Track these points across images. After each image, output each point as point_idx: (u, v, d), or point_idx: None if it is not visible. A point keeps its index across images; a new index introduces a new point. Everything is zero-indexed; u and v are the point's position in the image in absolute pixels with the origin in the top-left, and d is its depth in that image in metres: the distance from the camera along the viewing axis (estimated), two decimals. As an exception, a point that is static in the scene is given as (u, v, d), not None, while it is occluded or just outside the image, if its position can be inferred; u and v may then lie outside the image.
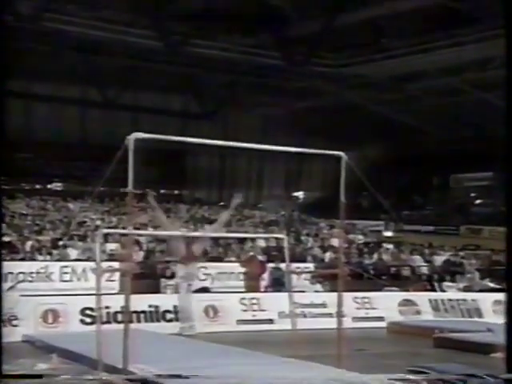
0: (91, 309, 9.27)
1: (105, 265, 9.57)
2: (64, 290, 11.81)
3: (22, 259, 13.13)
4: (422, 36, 22.54)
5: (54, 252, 13.81)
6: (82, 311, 9.65)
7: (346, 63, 24.77)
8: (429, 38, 22.32)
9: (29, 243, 14.17)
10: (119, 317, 9.42)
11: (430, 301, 12.36)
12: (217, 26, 22.83)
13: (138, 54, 23.04)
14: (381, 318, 11.59)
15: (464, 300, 12.50)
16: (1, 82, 4.62)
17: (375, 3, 20.96)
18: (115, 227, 16.13)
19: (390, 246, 18.55)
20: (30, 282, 12.20)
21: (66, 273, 12.76)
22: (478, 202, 29.48)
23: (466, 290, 13.61)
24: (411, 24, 22.60)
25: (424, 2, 20.57)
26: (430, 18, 22.13)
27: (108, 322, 9.31)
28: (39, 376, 3.96)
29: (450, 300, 12.49)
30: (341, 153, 6.77)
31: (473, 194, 30.05)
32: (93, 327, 8.11)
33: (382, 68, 24.20)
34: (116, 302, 9.02)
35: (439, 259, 16.74)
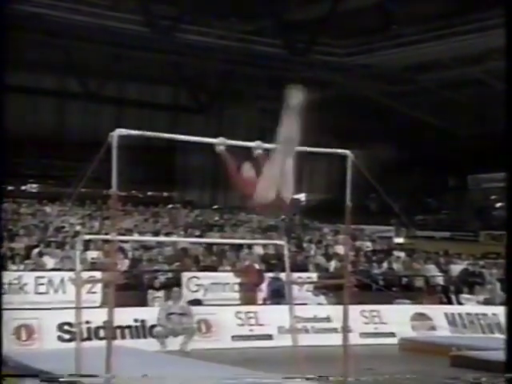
0: (70, 324, 9.26)
1: (85, 275, 9.53)
2: (39, 304, 11.78)
3: (-7, 269, 13.09)
4: (438, 21, 22.58)
5: (29, 261, 13.77)
6: (60, 327, 9.63)
7: (352, 52, 24.81)
8: (445, 23, 22.35)
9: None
10: (101, 333, 9.41)
11: (446, 315, 12.37)
12: (211, 9, 22.84)
13: (123, 40, 23.01)
14: (391, 334, 11.60)
15: (484, 314, 12.52)
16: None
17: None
18: (97, 233, 16.10)
19: (402, 254, 18.55)
20: (2, 294, 12.16)
21: (41, 284, 12.71)
22: (498, 205, 29.49)
23: (487, 302, 13.62)
24: (425, 8, 22.64)
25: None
26: (447, 1, 22.19)
27: (89, 339, 9.31)
28: (37, 376, 4.17)
29: (469, 314, 12.51)
30: (346, 151, 6.79)
31: (493, 197, 30.07)
32: (72, 344, 8.09)
33: (392, 57, 24.23)
34: (98, 317, 9.02)
35: (456, 268, 16.74)
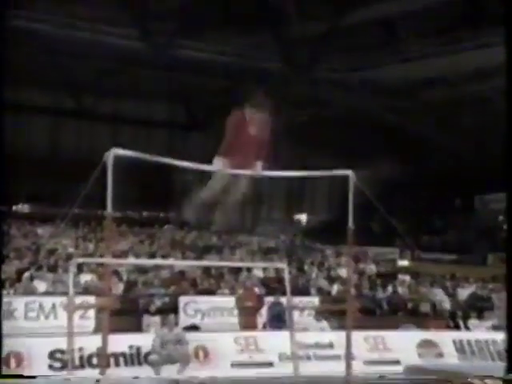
0: (62, 351, 9.21)
1: (78, 299, 9.50)
2: (30, 330, 11.72)
3: (-19, 293, 13.03)
4: (443, 36, 22.72)
5: (19, 285, 13.73)
6: (51, 354, 9.57)
7: (354, 67, 24.94)
8: (450, 38, 22.49)
9: (-11, 274, 14.09)
10: (94, 360, 9.36)
11: (454, 341, 12.30)
12: (209, 24, 23.01)
13: (118, 56, 23.15)
14: (397, 362, 11.53)
15: (494, 341, 12.44)
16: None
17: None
18: (91, 255, 16.09)
19: (407, 277, 18.53)
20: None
21: (32, 309, 12.67)
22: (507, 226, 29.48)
23: (496, 328, 13.56)
24: (429, 22, 22.81)
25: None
26: (452, 15, 22.32)
27: (81, 367, 9.25)
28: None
29: (478, 340, 12.42)
30: (348, 171, 6.80)
31: (501, 217, 30.06)
32: (63, 373, 8.05)
33: (396, 73, 24.37)
34: (91, 343, 8.96)
35: (464, 292, 16.70)
